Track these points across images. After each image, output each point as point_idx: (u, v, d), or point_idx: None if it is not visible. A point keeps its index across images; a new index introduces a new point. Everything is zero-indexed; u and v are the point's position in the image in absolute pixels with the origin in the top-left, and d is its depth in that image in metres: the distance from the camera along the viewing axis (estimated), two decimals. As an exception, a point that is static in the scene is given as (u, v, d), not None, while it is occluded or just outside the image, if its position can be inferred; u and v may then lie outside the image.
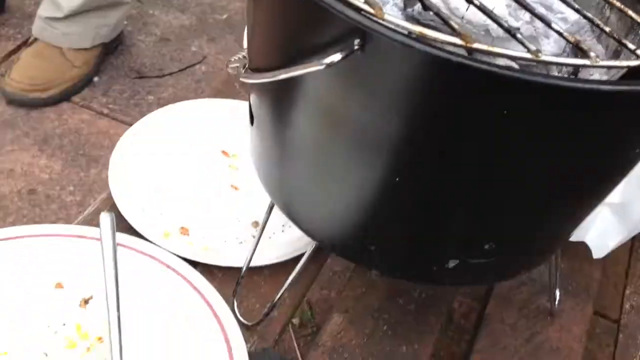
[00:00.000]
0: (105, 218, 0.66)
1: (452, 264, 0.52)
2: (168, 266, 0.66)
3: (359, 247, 0.54)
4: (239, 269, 0.68)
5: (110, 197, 0.74)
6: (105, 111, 1.76)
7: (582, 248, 0.78)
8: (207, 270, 0.68)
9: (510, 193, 0.48)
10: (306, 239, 0.69)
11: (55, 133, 1.70)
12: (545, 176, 0.47)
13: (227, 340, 0.60)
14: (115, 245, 0.65)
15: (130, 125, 0.85)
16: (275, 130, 0.55)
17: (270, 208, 0.65)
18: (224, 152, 0.83)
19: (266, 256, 0.70)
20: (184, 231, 0.72)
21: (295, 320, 0.70)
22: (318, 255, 0.74)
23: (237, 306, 0.66)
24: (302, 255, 0.65)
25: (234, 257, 0.70)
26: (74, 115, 1.76)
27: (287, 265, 0.69)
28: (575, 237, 0.75)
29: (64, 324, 0.61)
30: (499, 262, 0.53)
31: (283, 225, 0.76)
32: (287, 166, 0.55)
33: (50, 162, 1.67)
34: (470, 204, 0.48)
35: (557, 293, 0.73)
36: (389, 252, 0.54)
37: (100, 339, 0.60)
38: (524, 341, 0.70)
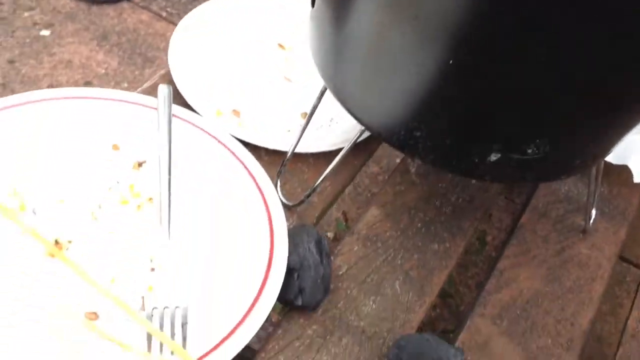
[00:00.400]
0: (163, 89, 0.69)
1: (494, 157, 0.53)
2: (219, 141, 0.68)
3: (405, 132, 0.56)
4: (284, 154, 0.71)
5: (168, 74, 0.77)
6: (164, 14, 1.79)
7: (624, 174, 0.78)
8: (254, 151, 0.70)
9: (568, 88, 0.48)
10: (351, 134, 0.71)
11: (114, 30, 1.73)
12: (607, 75, 0.47)
13: (268, 214, 0.63)
14: (170, 115, 0.68)
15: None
16: (335, 10, 0.56)
17: (322, 93, 0.67)
18: (280, 45, 0.85)
19: (311, 144, 0.73)
20: (236, 113, 0.75)
21: (330, 234, 0.73)
22: (361, 151, 0.76)
23: (280, 187, 0.69)
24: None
25: (281, 142, 0.72)
26: (133, 14, 1.79)
27: (331, 156, 0.71)
28: (618, 159, 0.75)
29: (118, 182, 0.65)
30: (540, 161, 0.54)
31: (331, 120, 0.78)
32: (344, 47, 0.56)
33: (107, 57, 1.72)
34: (523, 95, 0.49)
35: (594, 212, 0.74)
36: (433, 140, 0.55)
37: (150, 199, 0.64)
38: (554, 252, 0.72)
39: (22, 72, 1.68)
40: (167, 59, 0.77)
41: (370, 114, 0.59)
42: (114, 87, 1.71)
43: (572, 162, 0.56)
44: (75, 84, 1.68)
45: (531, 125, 0.51)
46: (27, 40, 1.76)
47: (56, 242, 0.59)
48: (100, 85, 1.70)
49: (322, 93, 0.67)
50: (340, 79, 0.60)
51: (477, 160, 0.55)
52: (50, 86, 1.66)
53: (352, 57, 0.57)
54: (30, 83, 1.65)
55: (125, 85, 1.69)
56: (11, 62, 1.70)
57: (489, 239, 1.16)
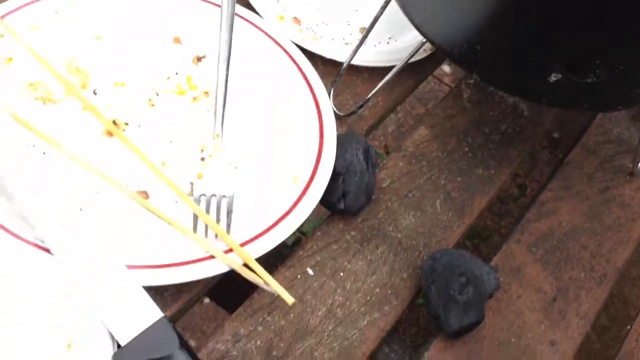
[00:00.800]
0: (228, -13, 0.69)
1: (553, 78, 0.53)
2: (278, 44, 0.69)
3: (467, 46, 0.56)
4: (340, 64, 0.71)
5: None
6: None
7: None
8: (310, 59, 0.70)
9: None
10: (405, 53, 0.71)
11: None
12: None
13: (320, 119, 0.64)
14: (233, 14, 0.68)
15: None
16: None
17: (384, 5, 0.66)
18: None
19: (368, 58, 0.73)
20: (296, 20, 0.75)
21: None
22: (418, 70, 0.76)
23: (333, 97, 0.70)
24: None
25: (338, 53, 0.72)
26: None
27: (385, 72, 0.71)
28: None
29: (177, 73, 0.66)
30: (599, 88, 0.54)
31: (389, 38, 0.78)
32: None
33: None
34: (592, 15, 0.48)
35: (643, 156, 0.73)
36: (494, 55, 0.55)
37: (206, 92, 0.65)
38: (598, 191, 0.72)
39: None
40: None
41: (434, 27, 0.59)
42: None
43: (631, 92, 0.55)
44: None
45: (596, 48, 0.51)
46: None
47: (114, 122, 0.61)
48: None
49: (385, 6, 0.66)
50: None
51: (536, 80, 0.55)
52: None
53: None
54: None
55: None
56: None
57: (527, 191, 1.16)
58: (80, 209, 0.52)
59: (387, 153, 1.01)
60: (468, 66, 0.57)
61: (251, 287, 0.55)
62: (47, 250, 0.50)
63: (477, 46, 0.55)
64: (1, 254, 0.49)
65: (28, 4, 0.64)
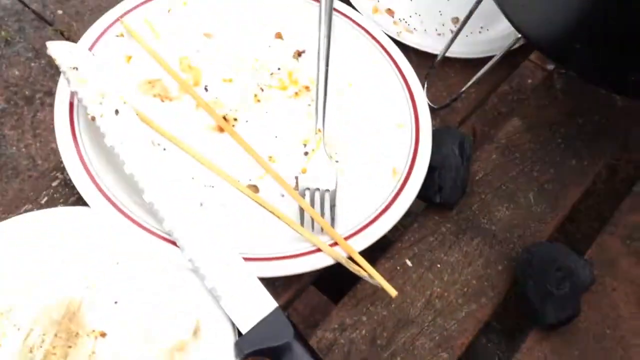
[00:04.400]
0: (327, -17, 0.71)
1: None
2: (373, 37, 0.71)
3: (564, 44, 0.56)
4: (432, 56, 0.73)
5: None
6: None
7: None
8: (404, 51, 0.72)
9: None
10: (501, 43, 0.72)
11: None
12: None
13: (415, 113, 0.66)
14: (331, 9, 0.70)
15: None
16: None
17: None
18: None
19: (460, 50, 0.74)
20: (390, 12, 0.77)
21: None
22: (509, 61, 0.76)
23: (426, 89, 0.71)
24: (493, 56, 0.69)
25: (432, 45, 0.74)
26: None
27: (476, 63, 0.72)
28: None
29: (279, 69, 0.69)
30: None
31: (481, 27, 0.78)
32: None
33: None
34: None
35: None
36: (592, 52, 0.56)
37: (307, 87, 0.68)
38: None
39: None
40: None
41: (531, 23, 0.60)
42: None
43: None
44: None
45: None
46: None
47: (224, 117, 0.64)
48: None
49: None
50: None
51: (633, 78, 0.55)
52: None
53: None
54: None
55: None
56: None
57: (620, 182, 1.13)
58: (201, 204, 0.56)
59: (475, 141, 1.02)
60: (565, 64, 0.58)
61: (353, 277, 0.58)
62: (174, 243, 0.54)
63: (576, 44, 0.55)
64: (134, 245, 0.54)
65: (142, 3, 0.68)
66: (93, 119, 0.56)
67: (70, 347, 0.52)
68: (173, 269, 0.54)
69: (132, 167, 0.55)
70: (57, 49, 0.58)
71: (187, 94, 0.65)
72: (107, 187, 0.56)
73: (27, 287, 0.53)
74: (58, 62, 0.57)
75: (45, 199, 0.59)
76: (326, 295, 0.69)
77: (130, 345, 0.52)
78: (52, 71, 0.91)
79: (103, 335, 0.52)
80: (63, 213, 0.56)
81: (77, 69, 0.57)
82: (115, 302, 0.54)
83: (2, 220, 0.55)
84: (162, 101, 0.64)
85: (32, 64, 0.96)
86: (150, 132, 0.58)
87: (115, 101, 0.57)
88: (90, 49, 0.63)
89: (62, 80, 0.60)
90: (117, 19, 0.66)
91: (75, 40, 0.65)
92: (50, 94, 0.87)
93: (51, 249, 0.54)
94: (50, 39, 0.93)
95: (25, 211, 0.58)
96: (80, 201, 0.57)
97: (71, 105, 0.59)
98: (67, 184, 0.60)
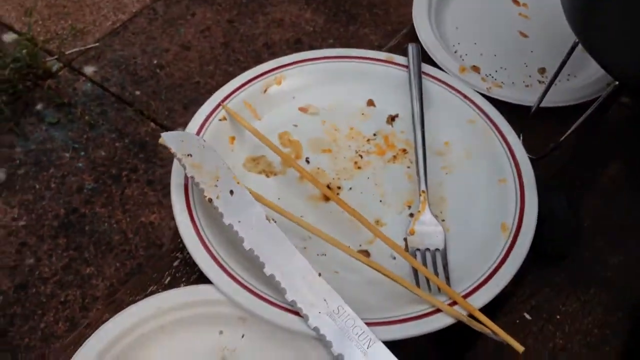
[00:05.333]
0: (413, 47, 0.74)
1: None
2: (465, 96, 0.72)
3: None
4: (524, 108, 0.73)
5: (408, 34, 0.82)
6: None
7: None
8: (495, 106, 0.73)
9: None
10: (589, 90, 0.72)
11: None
12: None
13: (517, 168, 0.67)
14: (420, 72, 0.73)
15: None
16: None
17: (573, 48, 0.68)
18: (514, 1, 0.86)
19: (552, 99, 0.74)
20: (476, 69, 0.78)
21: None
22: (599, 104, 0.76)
23: (522, 141, 0.72)
24: (584, 102, 0.69)
25: (521, 98, 0.75)
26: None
27: (568, 111, 0.72)
28: None
29: (375, 134, 0.71)
30: None
31: (569, 75, 0.79)
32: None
33: (314, 16, 1.81)
34: None
35: None
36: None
37: (404, 150, 0.70)
38: None
39: (240, 32, 1.82)
40: (370, 16, 0.81)
41: (629, 69, 0.60)
42: (321, 44, 1.81)
43: None
44: (287, 42, 1.80)
45: None
46: (244, 1, 1.89)
47: (328, 186, 0.66)
48: (309, 43, 1.81)
49: (573, 48, 0.68)
50: (595, 33, 0.61)
51: None
52: (265, 45, 1.79)
53: (611, 10, 0.58)
54: (248, 41, 1.79)
55: (331, 41, 1.77)
56: (230, 22, 1.84)
57: None
58: (319, 274, 0.57)
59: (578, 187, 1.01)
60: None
61: (465, 340, 0.58)
62: (297, 313, 0.56)
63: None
64: (258, 318, 0.56)
65: (240, 87, 0.72)
66: (210, 200, 0.59)
67: (207, 422, 0.53)
68: (299, 338, 0.56)
69: (250, 242, 0.58)
70: (170, 138, 0.62)
71: (290, 167, 0.68)
72: (227, 264, 0.58)
73: (163, 365, 0.55)
74: (173, 150, 0.61)
75: (169, 279, 0.62)
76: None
77: (264, 418, 0.53)
78: (136, 149, 0.97)
79: (237, 409, 0.54)
80: (189, 292, 0.58)
81: (191, 155, 0.61)
82: (245, 375, 0.56)
83: (131, 303, 0.58)
84: (268, 177, 0.67)
85: (117, 144, 1.01)
86: (262, 208, 0.60)
87: (230, 182, 0.60)
88: (197, 134, 0.67)
89: (175, 166, 0.64)
90: (219, 105, 0.70)
91: (157, 119, 0.69)
92: (135, 170, 0.92)
93: (182, 326, 0.57)
94: (131, 118, 0.98)
95: (151, 292, 0.61)
96: (201, 279, 0.59)
97: (186, 188, 0.63)
98: (187, 262, 0.63)
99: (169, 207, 0.84)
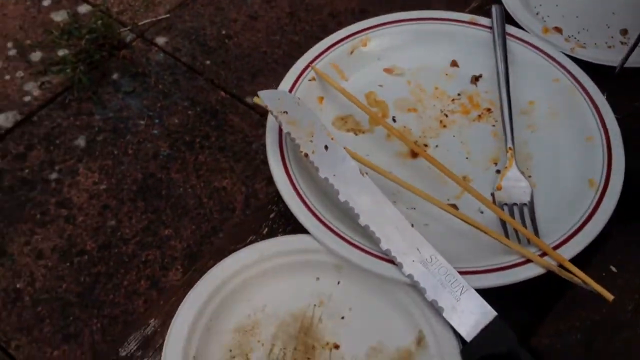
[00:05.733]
0: (496, 9, 0.75)
1: None
2: (548, 55, 0.73)
3: None
4: (607, 68, 0.74)
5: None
6: None
7: None
8: (580, 67, 0.74)
9: None
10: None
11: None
12: None
13: (603, 125, 0.68)
14: (504, 32, 0.74)
15: None
16: None
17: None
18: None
19: (636, 60, 0.74)
20: (558, 30, 0.79)
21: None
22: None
23: (607, 100, 0.72)
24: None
25: (604, 58, 0.75)
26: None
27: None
28: None
29: (459, 94, 0.73)
30: None
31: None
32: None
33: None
34: None
35: None
36: None
37: (488, 109, 0.72)
38: None
39: (305, 2, 1.84)
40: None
41: None
42: (385, 12, 1.82)
43: None
44: (352, 11, 1.81)
45: None
46: (310, -28, 1.91)
47: (415, 143, 0.69)
48: (374, 12, 1.82)
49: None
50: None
51: None
52: (330, 14, 1.81)
53: None
54: (314, 11, 1.81)
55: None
56: (296, -8, 1.86)
57: None
58: (412, 225, 0.60)
59: None
60: None
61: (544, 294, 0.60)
62: (392, 261, 0.58)
63: None
64: (353, 266, 0.59)
65: (328, 49, 0.74)
66: (306, 155, 0.62)
67: (309, 358, 0.57)
68: (393, 285, 0.59)
69: (345, 195, 0.61)
70: (266, 96, 0.65)
71: (378, 125, 0.70)
72: (323, 215, 0.61)
73: (268, 305, 0.59)
74: (269, 108, 0.64)
75: (266, 229, 0.65)
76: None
77: (360, 356, 0.57)
78: (207, 117, 1.00)
79: (337, 347, 0.57)
80: (289, 241, 0.62)
81: (286, 112, 0.64)
82: (342, 318, 0.59)
83: (233, 251, 0.62)
84: (356, 134, 0.70)
85: (189, 112, 1.05)
86: (356, 163, 0.63)
87: (324, 138, 0.63)
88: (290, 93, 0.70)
89: (269, 124, 0.67)
90: (308, 65, 0.72)
91: (226, 88, 0.72)
92: (208, 137, 0.96)
93: (282, 272, 0.60)
94: (202, 87, 1.02)
95: (251, 242, 0.64)
96: (296, 230, 0.63)
97: (280, 144, 0.66)
98: (283, 215, 0.66)
99: (241, 173, 0.88)
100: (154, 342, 0.59)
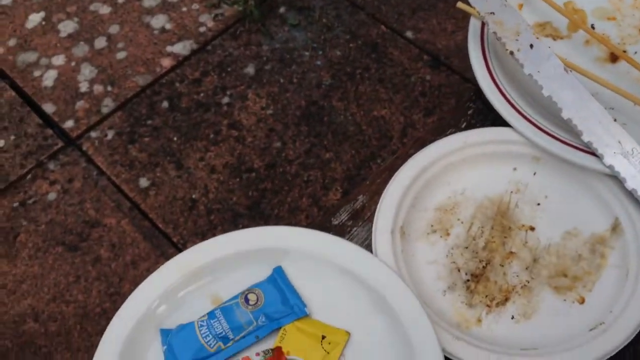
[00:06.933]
0: None
1: None
2: None
3: None
4: None
5: None
6: None
7: None
8: None
9: None
10: None
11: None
12: None
13: None
14: None
15: None
16: None
17: None
18: None
19: None
20: None
21: None
22: None
23: None
24: None
25: None
26: None
27: None
28: None
29: None
30: None
31: None
32: None
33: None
34: None
35: None
36: None
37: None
38: None
39: None
40: None
41: None
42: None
43: None
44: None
45: None
46: None
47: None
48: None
49: None
50: None
51: None
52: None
53: None
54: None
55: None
56: None
57: None
58: (614, 119, 0.62)
59: None
60: None
61: None
62: (592, 153, 0.62)
63: None
64: (556, 156, 0.63)
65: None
66: (512, 53, 0.66)
67: (505, 237, 0.62)
68: (590, 175, 0.62)
69: (549, 90, 0.64)
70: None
71: (576, 32, 0.72)
72: (523, 109, 0.65)
73: (467, 189, 0.65)
74: (478, 9, 0.68)
75: (465, 124, 0.70)
76: None
77: (555, 238, 0.61)
78: (368, 50, 1.05)
79: (532, 229, 0.62)
80: (490, 131, 0.66)
81: (493, 13, 0.68)
82: (538, 204, 0.63)
83: (432, 142, 0.67)
84: (555, 40, 0.72)
85: (350, 45, 1.11)
86: (560, 61, 0.66)
87: (529, 37, 0.66)
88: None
89: (472, 25, 0.71)
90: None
91: (387, 23, 0.76)
92: (368, 69, 1.01)
93: (482, 160, 0.65)
94: (364, 22, 1.07)
95: (450, 134, 0.69)
96: (494, 124, 0.67)
97: (482, 44, 0.70)
98: (480, 111, 0.71)
99: (399, 104, 0.92)
100: (363, 215, 0.67)
